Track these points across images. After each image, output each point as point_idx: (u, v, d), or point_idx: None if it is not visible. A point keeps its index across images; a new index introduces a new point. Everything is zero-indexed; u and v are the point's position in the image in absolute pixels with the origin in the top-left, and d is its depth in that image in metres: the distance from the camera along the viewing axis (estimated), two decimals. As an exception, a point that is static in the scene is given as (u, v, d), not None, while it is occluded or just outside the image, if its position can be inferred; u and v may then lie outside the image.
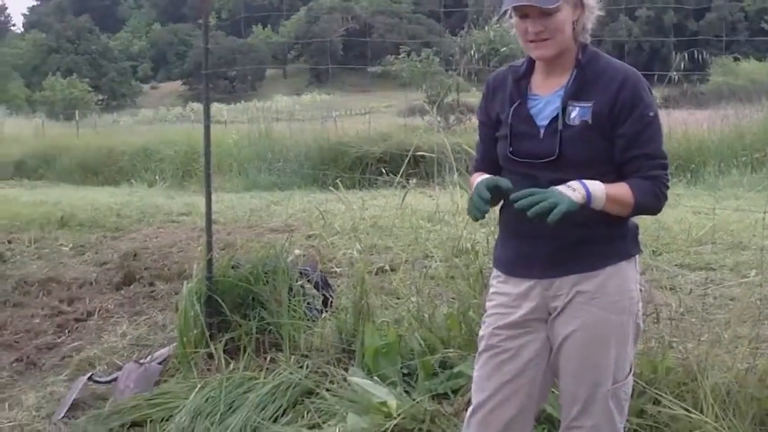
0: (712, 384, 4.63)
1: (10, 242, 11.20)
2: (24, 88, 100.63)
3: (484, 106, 3.63)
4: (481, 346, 3.55)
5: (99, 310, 7.85)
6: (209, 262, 6.26)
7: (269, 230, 11.10)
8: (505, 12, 3.31)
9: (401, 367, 5.48)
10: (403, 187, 11.47)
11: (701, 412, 4.53)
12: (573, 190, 3.08)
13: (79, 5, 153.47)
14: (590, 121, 3.25)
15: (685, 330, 5.45)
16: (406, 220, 9.47)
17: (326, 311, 6.45)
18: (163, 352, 6.32)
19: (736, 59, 59.89)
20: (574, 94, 3.30)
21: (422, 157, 7.40)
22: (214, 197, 14.40)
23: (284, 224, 11.55)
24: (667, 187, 3.32)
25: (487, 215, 3.30)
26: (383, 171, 15.46)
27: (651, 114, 3.27)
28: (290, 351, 5.91)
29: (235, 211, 13.25)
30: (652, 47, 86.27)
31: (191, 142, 21.84)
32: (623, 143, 3.26)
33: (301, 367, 5.64)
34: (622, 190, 3.21)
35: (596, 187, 3.13)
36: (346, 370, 5.59)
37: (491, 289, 3.60)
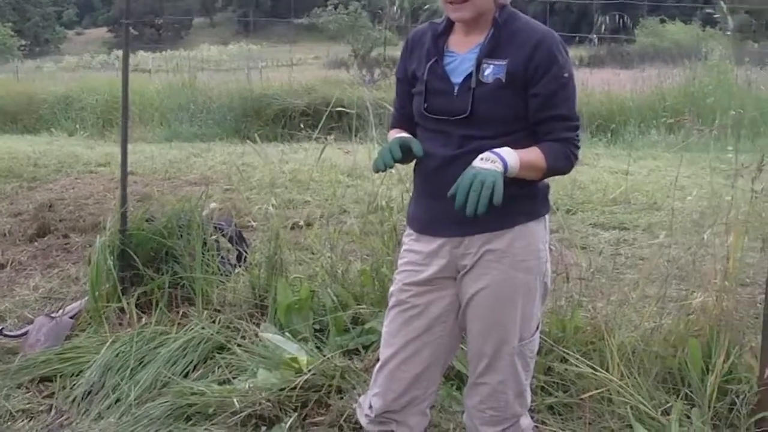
0: (619, 342, 4.71)
1: None
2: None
3: (402, 62, 3.62)
4: (391, 302, 3.57)
5: (11, 262, 7.73)
6: (123, 216, 6.19)
7: (187, 183, 11.04)
8: None
9: (313, 323, 5.51)
10: (324, 141, 11.52)
11: (607, 370, 4.61)
12: (492, 162, 3.08)
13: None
14: (504, 80, 3.25)
15: (595, 289, 5.53)
16: (324, 175, 9.47)
17: (240, 266, 6.44)
18: (75, 305, 6.25)
19: (662, 21, 60.38)
20: (489, 52, 3.29)
21: (345, 111, 7.39)
22: (133, 147, 14.38)
23: (202, 177, 11.49)
24: (578, 148, 3.36)
25: (394, 171, 3.33)
26: (305, 125, 15.47)
27: (565, 75, 3.28)
28: (203, 306, 5.90)
29: (154, 162, 13.13)
30: (579, 8, 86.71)
31: (113, 90, 21.57)
32: (537, 103, 3.26)
33: (214, 322, 5.63)
34: (534, 155, 3.23)
35: (510, 156, 3.13)
36: (258, 325, 5.60)
37: (403, 247, 3.62)
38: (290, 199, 9.08)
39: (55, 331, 5.86)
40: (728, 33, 17.38)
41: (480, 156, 3.11)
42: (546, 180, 3.47)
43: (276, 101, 19.28)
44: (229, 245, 6.65)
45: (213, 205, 6.91)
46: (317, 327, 5.52)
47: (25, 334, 5.93)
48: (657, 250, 6.00)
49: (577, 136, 3.35)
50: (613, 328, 4.83)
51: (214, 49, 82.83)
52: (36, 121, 22.99)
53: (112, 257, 6.09)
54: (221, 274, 6.15)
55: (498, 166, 3.06)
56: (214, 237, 6.32)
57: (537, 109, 3.27)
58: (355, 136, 7.47)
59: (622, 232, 8.26)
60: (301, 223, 7.11)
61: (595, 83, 21.59)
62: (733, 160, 5.17)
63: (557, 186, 10.00)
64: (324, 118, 6.84)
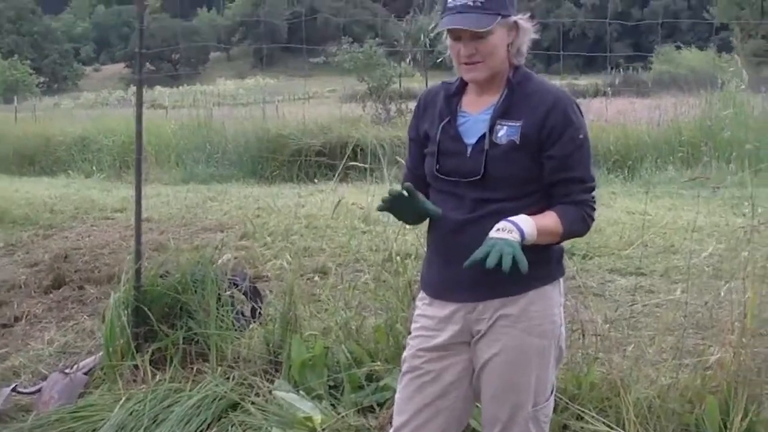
0: (635, 399, 4.67)
1: (-64, 239, 11.02)
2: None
3: (414, 121, 3.62)
4: (404, 367, 3.55)
5: (26, 315, 7.73)
6: (137, 272, 6.19)
7: (203, 229, 11.03)
8: (441, 32, 3.31)
9: (327, 380, 5.48)
10: (341, 180, 11.50)
11: (623, 427, 4.57)
12: (509, 232, 3.07)
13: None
14: (518, 141, 3.24)
15: (611, 342, 5.48)
16: (340, 221, 9.46)
17: (254, 321, 6.41)
18: (89, 361, 6.23)
19: (677, 48, 60.48)
20: (503, 113, 3.29)
21: (361, 149, 7.40)
22: (150, 190, 14.42)
23: (218, 223, 11.49)
24: (594, 210, 3.36)
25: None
26: (321, 165, 15.49)
27: (581, 137, 3.28)
28: (217, 362, 5.87)
29: (170, 207, 13.14)
30: (596, 34, 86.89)
31: (130, 131, 21.43)
32: (552, 165, 3.26)
33: (228, 378, 5.61)
34: (550, 220, 3.24)
35: (527, 224, 3.12)
36: (272, 382, 5.58)
37: (416, 311, 3.60)
38: (305, 246, 9.05)
39: (69, 389, 5.85)
40: (738, 57, 17.33)
41: (496, 226, 3.10)
42: (562, 245, 3.47)
43: (292, 141, 19.31)
44: (244, 299, 6.62)
45: (227, 256, 6.91)
46: (332, 384, 5.48)
47: (39, 391, 5.93)
48: (673, 303, 5.96)
49: (593, 198, 3.36)
50: (629, 384, 4.79)
51: (230, 84, 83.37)
52: (53, 163, 23.08)
53: (126, 313, 6.08)
54: (236, 330, 6.14)
55: (515, 236, 3.06)
56: (228, 293, 6.30)
57: (553, 171, 3.27)
58: (371, 175, 7.46)
59: (639, 278, 8.18)
60: (316, 277, 7.10)
61: (611, 114, 21.55)
62: (749, 212, 5.12)
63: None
64: (342, 165, 6.83)
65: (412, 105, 3.92)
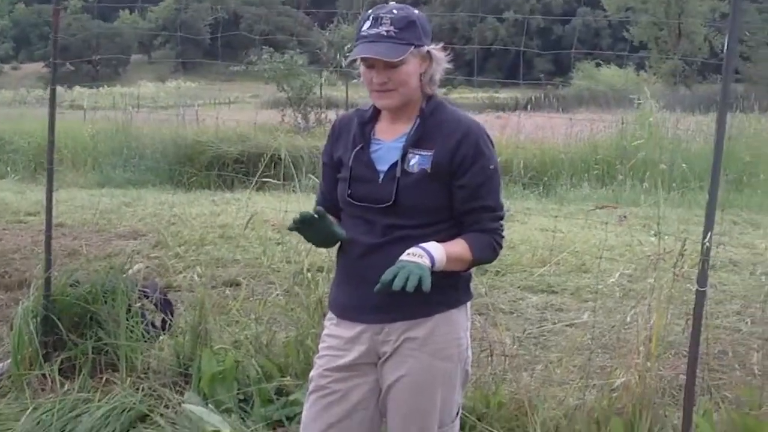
0: (542, 419, 4.75)
1: None
2: None
3: (328, 146, 3.64)
4: (311, 386, 3.56)
5: (-68, 320, 7.62)
6: (47, 281, 6.15)
7: (117, 236, 10.94)
8: (354, 60, 3.34)
9: (237, 394, 5.49)
10: (259, 189, 11.49)
11: (530, 448, 4.64)
12: (420, 257, 3.10)
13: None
14: (429, 170, 3.29)
15: (519, 362, 5.56)
16: (255, 231, 9.45)
17: (165, 333, 6.40)
18: (-4, 369, 6.19)
19: (597, 65, 61.24)
20: (416, 142, 3.34)
21: (279, 159, 7.40)
22: (65, 194, 14.25)
23: (132, 230, 11.40)
24: (503, 238, 3.41)
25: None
26: (238, 172, 15.45)
27: (491, 167, 3.33)
28: (127, 373, 5.85)
29: (84, 212, 12.99)
30: (517, 50, 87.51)
31: (46, 133, 21.28)
32: (464, 194, 3.31)
33: (138, 389, 5.59)
34: (460, 248, 3.29)
35: (437, 251, 3.16)
36: (182, 394, 5.57)
37: (324, 331, 3.62)
38: (219, 257, 9.03)
39: (-25, 397, 5.78)
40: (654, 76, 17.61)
41: (407, 251, 3.12)
42: (469, 271, 3.51)
43: (209, 148, 19.21)
44: (155, 309, 6.60)
45: (139, 265, 6.90)
46: (242, 397, 5.49)
47: (-56, 398, 5.85)
48: (582, 324, 6.07)
49: (502, 226, 3.40)
50: (536, 404, 4.88)
51: (151, 86, 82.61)
52: (-34, 162, 22.69)
53: (34, 322, 6.03)
54: (146, 341, 6.12)
55: (425, 261, 3.09)
56: (139, 303, 6.29)
57: (464, 200, 3.32)
58: (285, 186, 7.47)
59: (550, 297, 8.30)
60: (227, 290, 7.10)
61: (529, 129, 21.72)
62: (656, 241, 5.23)
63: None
64: (258, 175, 6.85)
65: (332, 115, 3.96)
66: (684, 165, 15.40)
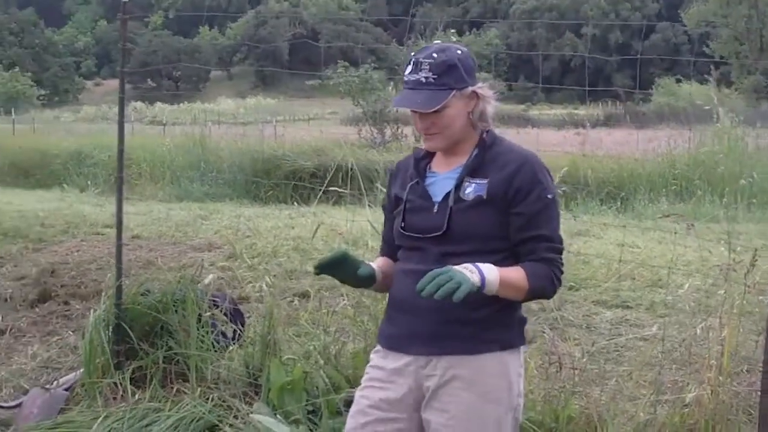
0: (612, 436, 4.68)
1: (-74, 253, 11.02)
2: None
3: (387, 191, 3.62)
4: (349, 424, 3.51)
5: (11, 329, 7.74)
6: (118, 289, 6.21)
7: (191, 248, 11.01)
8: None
9: (306, 405, 5.48)
10: (334, 203, 11.52)
11: (600, 463, 4.58)
12: (470, 272, 3.03)
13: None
14: (485, 197, 3.24)
15: (590, 376, 5.50)
16: (326, 244, 9.47)
17: (235, 343, 6.42)
18: (70, 377, 6.25)
19: (678, 81, 60.72)
20: (472, 171, 3.30)
21: (353, 172, 7.41)
22: (143, 207, 14.42)
23: (207, 242, 11.49)
24: (562, 272, 3.30)
25: None
26: (315, 186, 15.52)
27: (549, 196, 3.27)
28: (196, 382, 5.87)
29: (161, 225, 13.13)
30: (596, 65, 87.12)
31: (126, 146, 21.53)
32: (519, 222, 3.24)
33: (207, 399, 5.62)
34: (516, 274, 3.19)
35: (491, 272, 3.08)
36: (251, 404, 5.58)
37: (369, 362, 3.55)
38: (291, 269, 9.06)
39: (49, 404, 5.86)
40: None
41: (463, 264, 3.06)
42: (522, 313, 3.42)
43: (286, 162, 19.33)
44: (225, 319, 6.63)
45: (211, 276, 6.94)
46: (310, 408, 5.47)
47: (20, 405, 5.94)
48: (652, 339, 5.99)
49: (561, 258, 3.30)
50: (606, 420, 4.80)
51: (231, 102, 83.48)
52: (48, 176, 23.02)
53: (106, 331, 6.10)
54: (216, 351, 6.15)
55: (475, 278, 3.01)
56: (209, 313, 6.32)
57: (519, 228, 3.25)
58: (359, 199, 7.48)
59: (624, 311, 8.16)
60: (295, 301, 7.11)
61: (608, 145, 21.56)
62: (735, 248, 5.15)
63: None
64: (323, 188, 6.88)
65: (408, 130, 3.93)
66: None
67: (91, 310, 6.25)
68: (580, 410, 5.04)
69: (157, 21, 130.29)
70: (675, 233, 6.65)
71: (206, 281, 6.72)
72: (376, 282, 3.47)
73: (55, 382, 6.15)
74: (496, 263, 3.17)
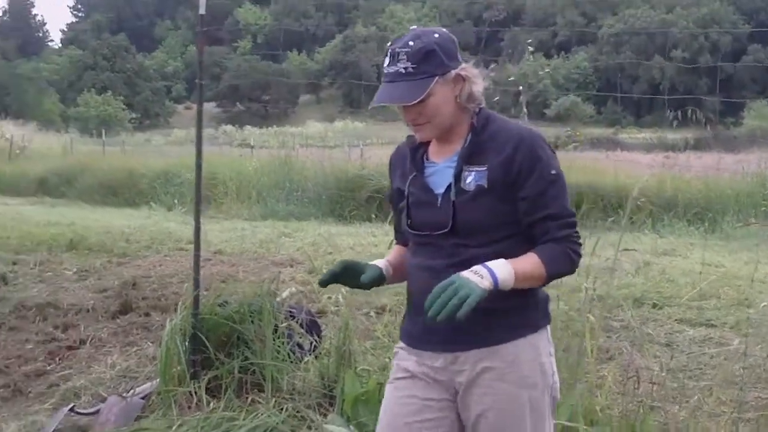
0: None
1: (14, 263, 11.23)
2: (58, 104, 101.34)
3: (390, 183, 3.55)
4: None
5: (92, 339, 7.83)
6: (195, 299, 6.23)
7: (273, 263, 11.08)
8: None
9: (380, 416, 5.44)
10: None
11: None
12: (480, 277, 2.95)
13: (117, 24, 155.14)
14: (486, 186, 3.15)
15: (669, 392, 5.39)
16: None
17: (310, 354, 6.41)
18: (146, 386, 6.29)
19: (770, 103, 59.86)
20: (469, 158, 3.20)
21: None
22: (228, 224, 14.53)
23: (289, 258, 11.53)
24: (580, 245, 3.22)
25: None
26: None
27: (553, 172, 3.17)
28: (272, 393, 5.88)
29: (245, 242, 13.24)
30: (686, 88, 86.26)
31: (211, 167, 21.66)
32: (527, 206, 3.16)
33: (281, 410, 5.61)
34: (531, 263, 3.11)
35: (503, 269, 3.01)
36: (325, 415, 5.56)
37: (395, 359, 3.48)
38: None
39: (126, 412, 5.90)
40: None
41: (472, 268, 2.99)
42: (545, 291, 3.36)
43: (371, 182, 19.32)
44: (301, 331, 6.62)
45: (290, 290, 6.94)
46: (384, 420, 5.44)
47: (97, 412, 5.99)
48: (734, 355, 5.86)
49: (576, 232, 3.22)
50: (685, 437, 4.71)
51: (319, 126, 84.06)
52: (136, 195, 23.26)
53: (183, 340, 6.12)
54: (291, 362, 6.14)
55: (485, 283, 2.94)
56: (285, 324, 6.31)
57: (527, 211, 3.17)
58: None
59: (708, 330, 8.02)
60: (372, 313, 7.08)
61: (697, 168, 21.24)
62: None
63: (645, 278, 9.84)
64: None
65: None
66: None
67: (169, 319, 6.27)
68: (659, 426, 4.95)
69: (245, 46, 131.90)
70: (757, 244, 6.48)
71: (284, 294, 6.72)
72: (387, 279, 3.43)
73: (132, 391, 6.18)
74: (509, 250, 3.13)
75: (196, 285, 6.28)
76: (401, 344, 3.46)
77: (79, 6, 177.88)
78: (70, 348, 7.68)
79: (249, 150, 29.39)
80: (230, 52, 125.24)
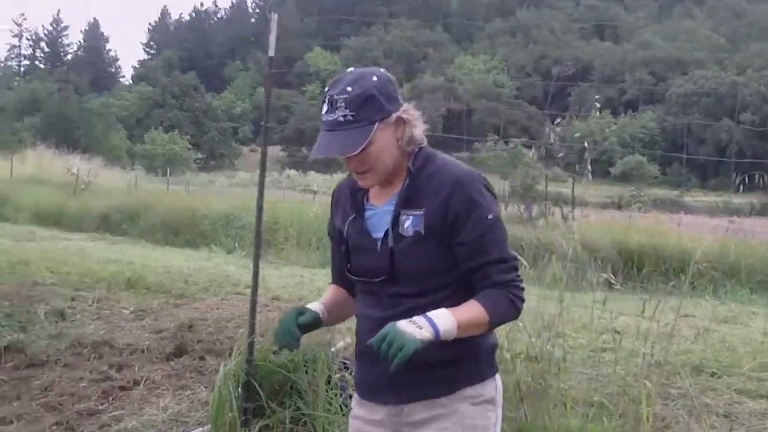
0: None
1: (73, 299, 11.29)
2: (126, 140, 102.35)
3: (331, 219, 3.50)
4: None
5: (145, 380, 7.83)
6: (250, 345, 6.22)
7: (330, 312, 11.05)
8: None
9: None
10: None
11: None
12: (419, 327, 2.90)
13: (188, 62, 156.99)
14: (423, 231, 3.10)
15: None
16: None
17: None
18: (198, 432, 6.29)
19: None
20: (406, 202, 3.15)
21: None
22: (288, 270, 14.54)
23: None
24: (522, 289, 3.17)
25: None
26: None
27: (490, 217, 3.11)
28: (323, 445, 5.85)
29: (303, 289, 13.25)
30: (753, 152, 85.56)
31: (275, 211, 21.69)
32: (465, 252, 3.11)
33: (332, 463, 5.58)
34: (474, 311, 3.05)
35: (445, 319, 2.95)
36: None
37: (352, 411, 3.49)
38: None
39: (177, 457, 5.89)
40: None
41: (411, 318, 2.95)
42: (491, 340, 3.30)
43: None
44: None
45: (344, 341, 6.91)
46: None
47: (148, 456, 5.98)
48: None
49: (518, 276, 3.17)
50: None
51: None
52: (197, 236, 23.33)
53: (236, 386, 6.10)
54: (344, 414, 6.09)
55: (423, 334, 2.89)
56: (338, 375, 6.28)
57: (466, 257, 3.12)
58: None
59: (771, 402, 7.86)
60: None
61: (763, 235, 20.92)
62: None
63: (704, 345, 9.67)
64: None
65: (557, 210, 3.78)
66: None
67: (222, 364, 6.26)
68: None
69: (314, 90, 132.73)
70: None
71: (339, 345, 6.70)
72: (324, 321, 3.39)
73: (183, 436, 6.18)
74: (449, 298, 3.08)
75: (252, 331, 6.28)
76: (355, 394, 3.46)
77: (152, 43, 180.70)
78: (123, 388, 7.68)
79: (311, 196, 29.43)
80: (298, 95, 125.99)
